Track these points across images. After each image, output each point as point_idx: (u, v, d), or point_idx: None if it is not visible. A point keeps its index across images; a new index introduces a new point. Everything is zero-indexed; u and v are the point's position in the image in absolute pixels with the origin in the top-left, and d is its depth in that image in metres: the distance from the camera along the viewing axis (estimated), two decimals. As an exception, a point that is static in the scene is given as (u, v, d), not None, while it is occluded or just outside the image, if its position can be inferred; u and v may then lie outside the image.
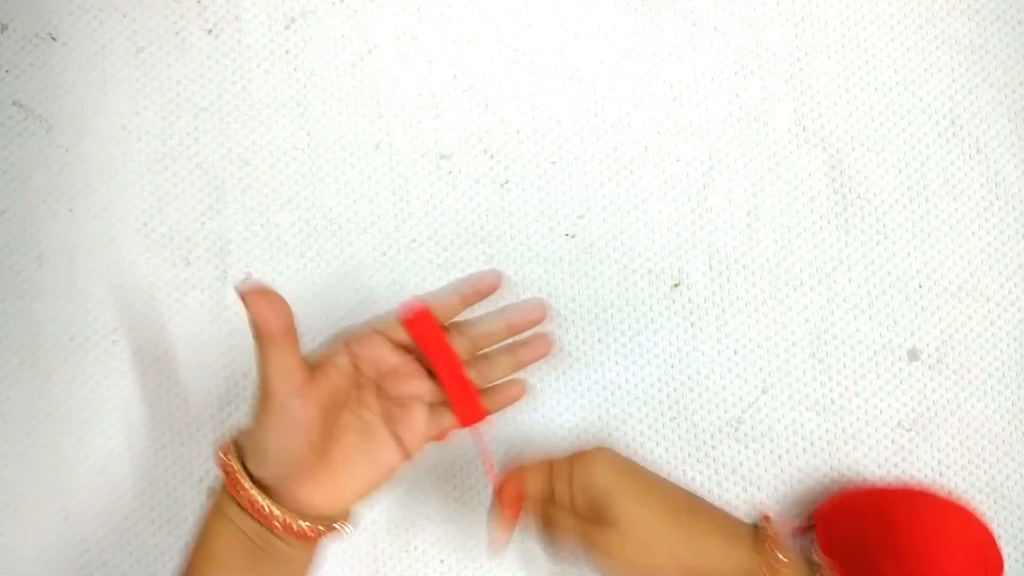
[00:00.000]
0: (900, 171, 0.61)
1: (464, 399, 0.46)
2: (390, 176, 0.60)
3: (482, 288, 0.47)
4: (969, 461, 0.58)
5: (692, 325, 0.59)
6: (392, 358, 0.46)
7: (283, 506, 0.43)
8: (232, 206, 0.59)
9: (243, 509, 0.42)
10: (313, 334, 0.58)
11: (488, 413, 0.47)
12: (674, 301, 0.60)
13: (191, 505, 0.57)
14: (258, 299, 0.42)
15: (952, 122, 0.61)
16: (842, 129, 0.61)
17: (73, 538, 0.56)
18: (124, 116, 0.59)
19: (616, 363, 0.59)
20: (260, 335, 0.42)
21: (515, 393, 0.48)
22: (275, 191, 0.59)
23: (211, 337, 0.58)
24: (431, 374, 0.47)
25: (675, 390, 0.59)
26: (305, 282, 0.59)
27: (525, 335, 0.49)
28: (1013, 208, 0.60)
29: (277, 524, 0.42)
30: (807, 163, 0.61)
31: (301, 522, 0.43)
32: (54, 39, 0.60)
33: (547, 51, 0.61)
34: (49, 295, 0.58)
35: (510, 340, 0.49)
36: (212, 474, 0.57)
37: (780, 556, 0.42)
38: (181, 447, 0.57)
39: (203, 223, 0.59)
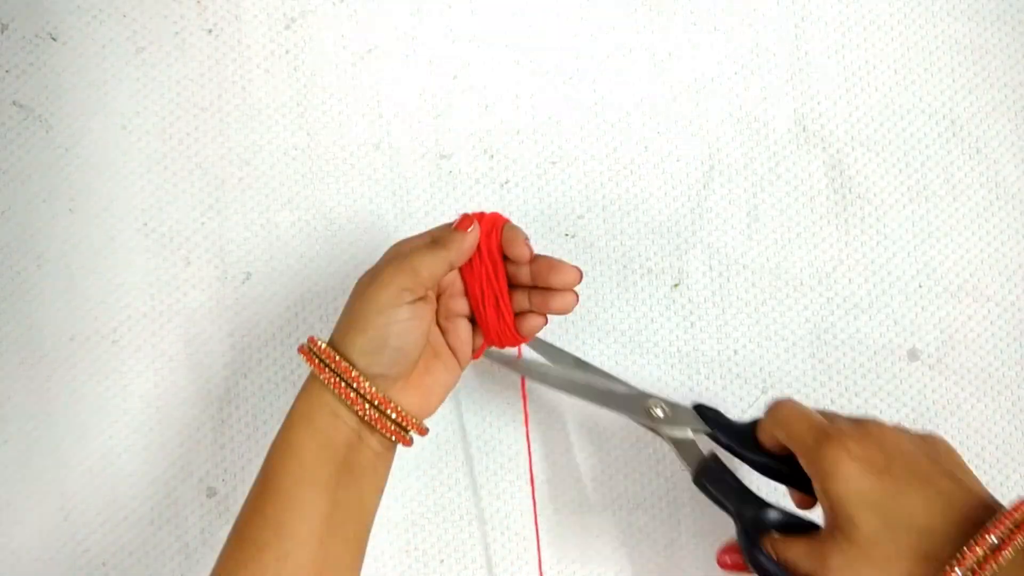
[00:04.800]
0: (900, 171, 0.61)
1: (503, 319, 0.48)
2: (390, 176, 0.60)
3: (554, 280, 0.47)
4: (969, 461, 0.58)
5: (692, 325, 0.59)
6: (449, 275, 0.48)
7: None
8: (232, 206, 0.59)
9: (345, 402, 0.43)
10: (313, 334, 0.58)
11: (524, 338, 0.49)
12: (674, 301, 0.60)
13: (191, 505, 0.57)
14: (471, 226, 0.46)
15: (952, 122, 0.61)
16: (842, 129, 0.61)
17: (73, 538, 0.56)
18: (124, 116, 0.59)
19: (616, 363, 0.59)
20: (454, 240, 0.45)
21: (537, 324, 0.48)
22: (275, 191, 0.60)
23: (211, 337, 0.58)
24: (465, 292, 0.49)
25: (675, 390, 0.59)
26: (305, 282, 0.59)
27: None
28: (1013, 208, 0.60)
29: (389, 413, 0.44)
30: (807, 163, 0.61)
31: (406, 415, 0.44)
32: (54, 39, 0.60)
33: (547, 51, 0.61)
34: (49, 295, 0.58)
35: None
36: (212, 474, 0.57)
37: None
38: (181, 447, 0.57)
39: (203, 223, 0.59)
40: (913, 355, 0.59)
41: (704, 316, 0.59)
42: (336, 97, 0.60)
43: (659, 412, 0.50)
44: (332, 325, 0.58)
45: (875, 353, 0.59)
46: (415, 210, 0.60)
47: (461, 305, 0.49)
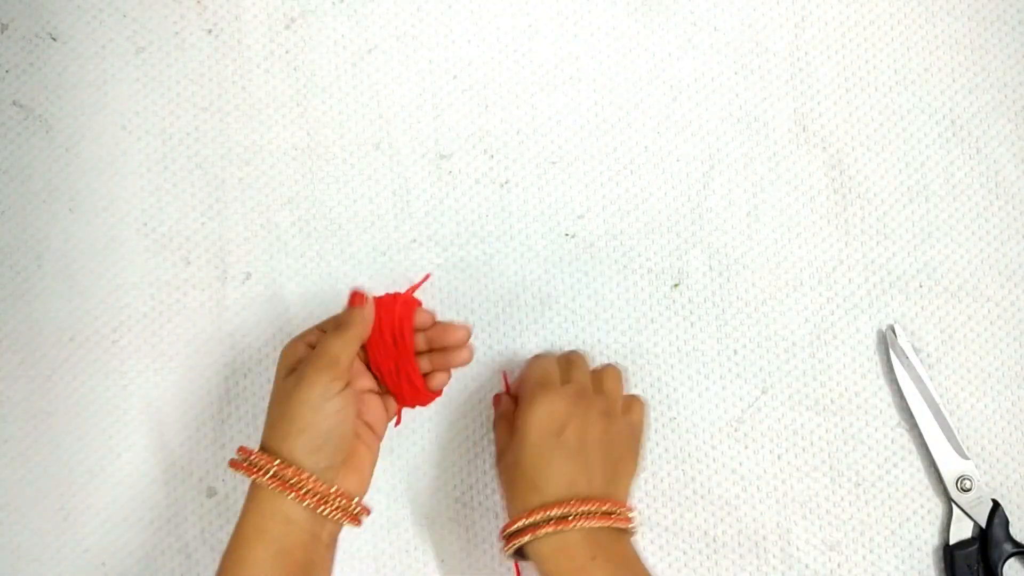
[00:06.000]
0: (900, 171, 0.61)
1: (414, 383, 0.51)
2: (390, 176, 0.60)
3: (449, 340, 0.51)
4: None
5: (692, 325, 0.59)
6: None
7: None
8: (232, 206, 0.59)
9: (301, 503, 0.44)
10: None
11: (436, 394, 0.52)
12: (674, 301, 0.60)
13: (191, 505, 0.57)
14: (364, 300, 0.50)
15: (952, 122, 0.61)
16: (842, 129, 0.61)
17: (73, 538, 0.56)
18: (124, 116, 0.59)
19: (616, 363, 0.59)
20: (356, 317, 0.48)
21: (444, 379, 0.52)
22: (275, 191, 0.60)
23: (211, 337, 0.58)
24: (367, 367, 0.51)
25: (675, 390, 0.59)
26: (305, 282, 0.59)
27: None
28: (1013, 208, 0.60)
29: (343, 504, 0.46)
30: (807, 163, 0.61)
31: (358, 501, 0.47)
32: (54, 39, 0.60)
33: (547, 51, 0.61)
34: (49, 295, 0.58)
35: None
36: (212, 474, 0.57)
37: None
38: (181, 447, 0.57)
39: (203, 223, 0.59)
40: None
41: (704, 316, 0.59)
42: (336, 97, 0.60)
43: None
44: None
45: (875, 353, 0.59)
46: (415, 210, 0.60)
47: (366, 381, 0.51)
